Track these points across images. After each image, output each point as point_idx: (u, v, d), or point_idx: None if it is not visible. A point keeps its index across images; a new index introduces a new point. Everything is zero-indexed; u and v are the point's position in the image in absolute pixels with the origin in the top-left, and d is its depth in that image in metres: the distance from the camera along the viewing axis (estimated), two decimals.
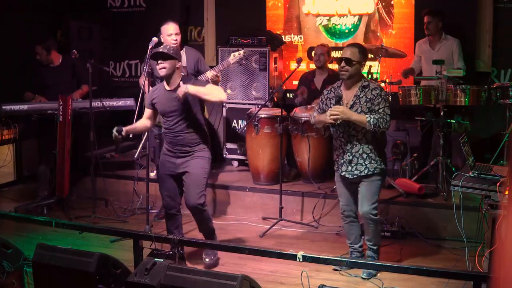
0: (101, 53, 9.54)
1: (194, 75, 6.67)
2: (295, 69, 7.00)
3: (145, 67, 6.47)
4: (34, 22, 8.66)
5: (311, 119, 5.80)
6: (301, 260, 4.38)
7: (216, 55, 8.44)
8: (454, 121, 6.96)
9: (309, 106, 7.40)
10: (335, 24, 8.43)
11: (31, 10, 8.68)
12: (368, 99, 5.34)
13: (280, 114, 7.09)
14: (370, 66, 7.25)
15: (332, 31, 8.47)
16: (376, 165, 5.45)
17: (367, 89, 5.37)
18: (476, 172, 4.76)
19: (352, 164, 5.47)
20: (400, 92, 6.96)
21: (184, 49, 6.87)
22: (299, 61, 6.86)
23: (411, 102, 6.88)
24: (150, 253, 4.64)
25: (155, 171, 7.30)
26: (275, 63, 8.21)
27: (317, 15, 8.50)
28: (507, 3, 7.72)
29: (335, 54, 8.13)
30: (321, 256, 4.63)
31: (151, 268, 4.29)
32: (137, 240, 4.86)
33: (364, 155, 5.43)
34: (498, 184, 4.45)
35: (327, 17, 8.47)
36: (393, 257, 5.97)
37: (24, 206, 7.33)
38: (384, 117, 5.27)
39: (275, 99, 7.86)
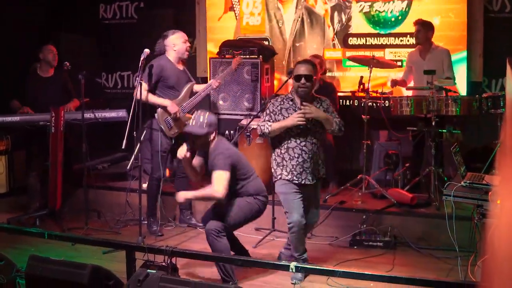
0: (93, 64, 9.54)
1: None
2: (287, 80, 7.00)
3: (137, 79, 6.48)
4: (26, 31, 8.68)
5: (263, 130, 5.49)
6: (294, 270, 4.39)
7: (208, 66, 8.46)
8: (445, 130, 6.98)
9: None
10: (379, 11, 7.78)
11: (21, 23, 8.71)
12: (325, 110, 5.55)
13: None
14: (362, 77, 7.26)
15: (374, 20, 7.81)
16: (324, 170, 5.74)
17: (320, 100, 5.61)
18: (468, 182, 4.79)
19: (314, 171, 5.59)
20: (392, 102, 6.99)
21: None
22: (290, 72, 6.85)
23: (402, 113, 6.91)
24: (142, 265, 4.65)
25: (147, 182, 7.30)
26: (267, 74, 8.23)
27: (357, 1, 7.85)
28: (498, 13, 7.78)
29: (374, 41, 7.69)
30: (314, 267, 4.64)
31: (144, 279, 4.29)
32: (130, 252, 4.85)
33: (320, 161, 5.65)
34: (490, 193, 4.47)
35: (369, 3, 7.80)
36: (386, 267, 5.97)
37: (17, 218, 7.29)
38: (341, 121, 5.57)
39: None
